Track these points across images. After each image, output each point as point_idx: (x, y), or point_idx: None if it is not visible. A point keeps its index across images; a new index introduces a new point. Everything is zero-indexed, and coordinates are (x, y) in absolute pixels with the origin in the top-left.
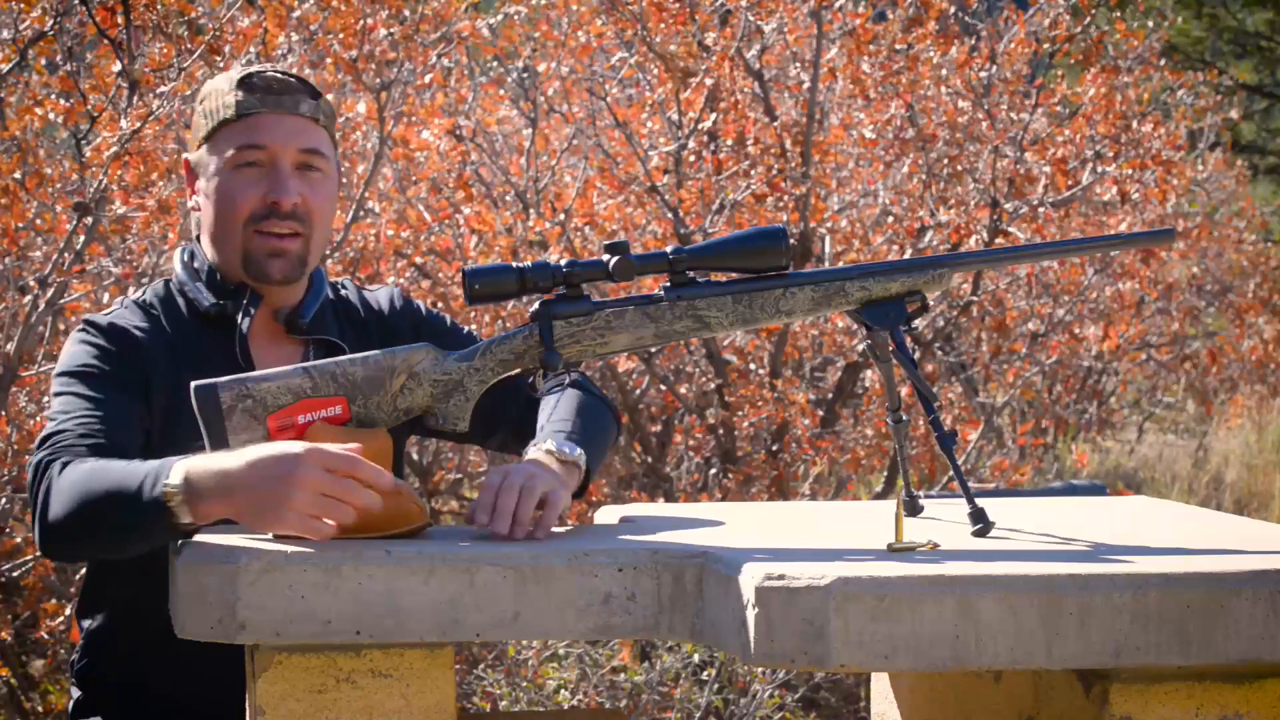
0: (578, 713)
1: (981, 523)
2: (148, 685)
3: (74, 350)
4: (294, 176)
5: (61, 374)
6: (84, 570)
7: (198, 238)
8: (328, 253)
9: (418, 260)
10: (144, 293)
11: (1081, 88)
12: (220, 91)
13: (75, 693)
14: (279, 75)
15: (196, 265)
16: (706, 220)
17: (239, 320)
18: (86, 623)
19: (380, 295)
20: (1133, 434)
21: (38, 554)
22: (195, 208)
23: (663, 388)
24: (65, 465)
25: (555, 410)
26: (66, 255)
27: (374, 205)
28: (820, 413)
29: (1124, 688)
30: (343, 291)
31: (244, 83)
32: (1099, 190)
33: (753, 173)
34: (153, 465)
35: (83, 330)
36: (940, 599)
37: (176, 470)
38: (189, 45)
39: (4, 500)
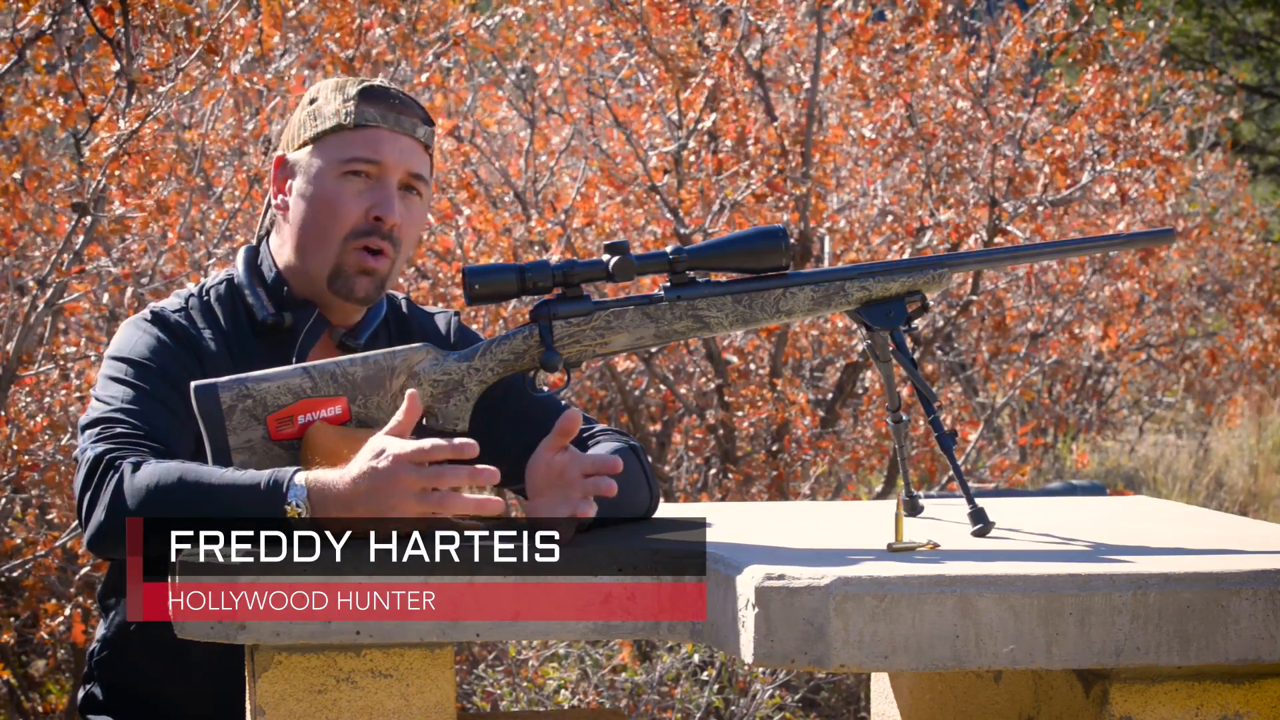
0: (578, 713)
1: (981, 523)
2: (162, 681)
3: (137, 338)
4: (398, 197)
5: (120, 358)
6: (86, 568)
7: (265, 236)
8: None
9: (418, 260)
10: (209, 289)
11: (1080, 86)
12: (338, 96)
13: (88, 686)
14: (399, 94)
15: (263, 269)
16: (706, 220)
17: (300, 336)
18: (111, 614)
19: (439, 319)
20: (1133, 434)
21: (38, 554)
22: (281, 207)
23: (663, 388)
24: (137, 465)
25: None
26: (65, 255)
27: None
28: (820, 413)
29: (1124, 688)
30: (402, 308)
31: (366, 94)
32: (1098, 190)
33: (753, 173)
34: (263, 476)
35: (150, 321)
36: (940, 599)
37: (298, 486)
38: (187, 45)
39: (3, 500)
